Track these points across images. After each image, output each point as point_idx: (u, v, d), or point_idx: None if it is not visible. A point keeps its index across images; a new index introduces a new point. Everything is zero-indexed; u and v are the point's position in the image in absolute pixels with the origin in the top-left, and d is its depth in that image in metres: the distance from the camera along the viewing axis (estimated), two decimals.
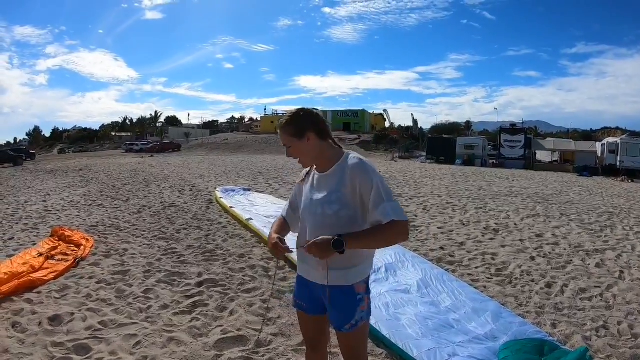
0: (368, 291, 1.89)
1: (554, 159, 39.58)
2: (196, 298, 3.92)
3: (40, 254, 4.98)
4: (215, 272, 4.68)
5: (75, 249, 5.43)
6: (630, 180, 23.65)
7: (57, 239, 5.87)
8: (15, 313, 3.52)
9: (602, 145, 33.15)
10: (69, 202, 9.86)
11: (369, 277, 1.92)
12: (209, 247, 5.75)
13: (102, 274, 4.56)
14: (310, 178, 1.97)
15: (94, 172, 18.80)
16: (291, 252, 1.85)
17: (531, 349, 3.01)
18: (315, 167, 1.97)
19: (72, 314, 3.52)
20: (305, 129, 1.85)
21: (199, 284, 4.31)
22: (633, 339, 3.36)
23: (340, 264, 1.77)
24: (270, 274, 4.71)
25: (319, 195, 1.86)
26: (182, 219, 7.69)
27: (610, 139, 32.89)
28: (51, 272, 4.47)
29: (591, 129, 75.33)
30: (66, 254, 5.19)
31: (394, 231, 1.70)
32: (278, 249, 1.84)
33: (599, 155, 32.93)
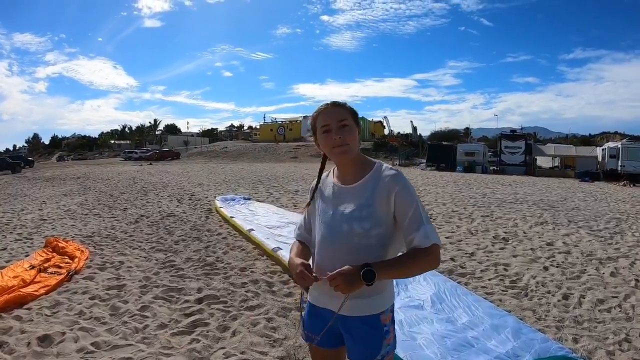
0: (393, 321, 1.63)
1: (555, 165, 39.51)
2: (196, 316, 3.68)
3: (33, 267, 4.82)
4: (215, 288, 4.44)
5: (70, 261, 5.25)
6: (632, 185, 23.55)
7: (50, 250, 5.70)
8: (3, 332, 3.32)
9: (602, 150, 33.10)
10: (65, 210, 9.65)
11: (393, 304, 1.66)
12: (208, 259, 5.52)
13: (97, 288, 4.34)
14: (328, 190, 1.69)
15: (92, 180, 18.66)
16: (317, 280, 1.54)
17: None
18: (335, 177, 1.70)
19: (63, 333, 3.30)
20: (358, 122, 1.65)
21: (199, 301, 4.06)
22: None
23: (364, 291, 1.49)
24: (274, 289, 4.47)
25: (344, 210, 1.58)
26: (181, 230, 7.46)
27: (611, 144, 32.83)
28: (43, 287, 4.30)
29: (590, 134, 75.58)
30: (59, 267, 5.01)
31: (431, 257, 1.49)
32: (304, 278, 1.52)
33: (600, 160, 32.86)
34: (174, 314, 3.72)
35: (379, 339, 1.57)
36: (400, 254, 1.56)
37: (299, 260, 1.60)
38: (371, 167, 1.62)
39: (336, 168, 1.71)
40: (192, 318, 3.64)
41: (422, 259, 1.48)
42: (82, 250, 5.67)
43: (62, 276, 4.63)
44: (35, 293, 4.12)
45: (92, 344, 3.14)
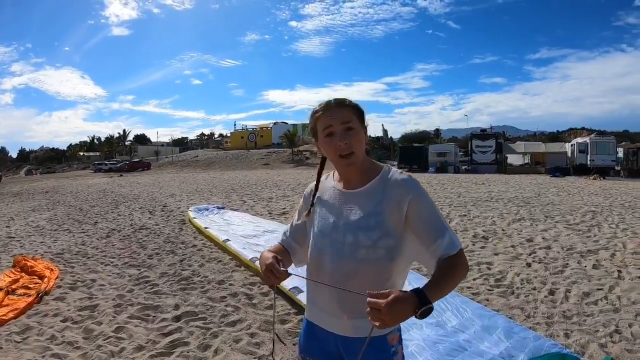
0: (401, 340, 1.44)
1: (525, 162, 40.36)
2: (174, 335, 3.46)
3: (0, 289, 4.53)
4: (193, 303, 4.22)
5: (39, 281, 4.96)
6: (602, 178, 24.20)
7: (19, 269, 5.41)
8: None
9: (571, 145, 34.08)
10: (34, 227, 9.24)
11: None
12: (184, 273, 5.27)
13: (68, 310, 4.07)
14: (328, 195, 1.50)
15: (61, 194, 18.09)
16: (289, 275, 1.33)
17: None
18: (336, 180, 1.51)
19: None
20: (364, 120, 1.46)
21: (177, 318, 3.83)
22: None
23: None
24: (254, 301, 4.28)
25: (348, 218, 1.39)
26: (154, 243, 7.18)
27: (580, 139, 33.79)
28: (11, 310, 4.03)
29: (558, 131, 77.65)
30: (29, 288, 4.74)
31: (463, 263, 1.31)
32: (272, 272, 1.31)
33: (569, 155, 33.79)
34: (151, 334, 3.49)
35: None
36: (434, 269, 1.32)
37: (270, 254, 1.39)
38: (379, 171, 1.45)
39: (337, 171, 1.53)
40: (171, 337, 3.42)
41: (457, 267, 1.30)
42: (52, 269, 5.38)
43: (32, 298, 4.36)
44: (3, 318, 3.86)
45: None
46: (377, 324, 1.09)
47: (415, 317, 1.11)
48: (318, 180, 1.57)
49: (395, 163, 40.22)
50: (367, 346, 1.32)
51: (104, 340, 3.40)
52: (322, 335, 1.44)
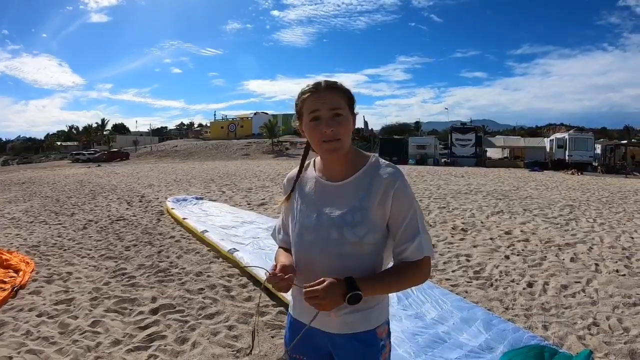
0: (389, 333, 1.41)
1: (505, 156, 40.91)
2: (152, 329, 3.39)
3: None
4: (171, 296, 4.14)
5: (14, 274, 4.80)
6: (580, 173, 24.66)
7: None
8: None
9: (550, 141, 34.67)
10: (10, 219, 8.98)
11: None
12: (162, 265, 5.18)
13: (44, 304, 3.96)
14: (310, 187, 1.42)
15: (37, 184, 17.65)
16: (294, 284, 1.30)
17: (533, 357, 2.85)
18: (319, 171, 1.42)
19: (10, 357, 2.96)
20: (354, 107, 1.37)
21: (154, 311, 3.76)
22: (625, 334, 3.35)
23: (360, 303, 1.23)
24: (232, 294, 4.23)
25: (332, 213, 1.31)
26: (132, 234, 7.06)
27: (559, 135, 34.44)
28: None
29: (537, 126, 78.93)
30: (4, 282, 4.56)
31: (422, 271, 1.29)
32: (281, 279, 1.28)
33: (548, 150, 34.35)
34: (127, 328, 3.42)
35: (375, 356, 1.34)
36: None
37: (279, 263, 1.37)
38: (365, 161, 1.37)
39: (319, 159, 1.43)
40: (148, 331, 3.35)
41: (413, 273, 1.28)
42: (28, 262, 5.23)
43: (7, 292, 4.21)
44: None
45: None
46: (315, 307, 1.19)
47: (345, 302, 1.17)
48: (301, 167, 1.48)
49: (376, 155, 40.45)
50: (356, 342, 1.32)
51: (80, 334, 3.32)
52: (309, 334, 1.36)
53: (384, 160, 1.38)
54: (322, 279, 1.19)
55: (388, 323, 1.41)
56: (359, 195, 1.30)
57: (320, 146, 1.31)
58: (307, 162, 1.48)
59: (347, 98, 1.33)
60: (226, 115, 79.99)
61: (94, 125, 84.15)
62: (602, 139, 42.07)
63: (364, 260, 1.29)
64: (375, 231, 1.29)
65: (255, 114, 72.83)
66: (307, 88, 1.33)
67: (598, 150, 33.65)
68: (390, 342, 1.41)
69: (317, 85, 1.32)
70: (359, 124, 68.72)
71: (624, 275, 4.76)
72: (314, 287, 1.17)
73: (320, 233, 1.32)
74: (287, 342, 1.49)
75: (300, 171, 1.47)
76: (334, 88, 1.32)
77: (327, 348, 1.40)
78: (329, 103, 1.29)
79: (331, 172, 1.38)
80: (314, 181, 1.41)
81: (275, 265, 1.38)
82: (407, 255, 1.27)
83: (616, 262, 5.27)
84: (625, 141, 38.95)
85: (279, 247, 1.55)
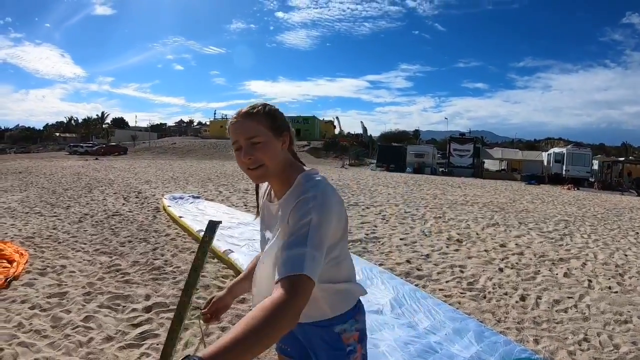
0: (362, 338, 1.42)
1: (502, 168, 41.04)
2: (145, 327, 3.39)
3: None
4: (164, 294, 4.14)
5: (8, 265, 4.78)
6: (576, 188, 24.75)
7: None
8: None
9: (548, 155, 34.84)
10: (5, 208, 8.96)
11: (358, 319, 1.43)
12: (156, 262, 5.18)
13: (37, 296, 3.94)
14: (264, 210, 1.48)
15: (34, 175, 17.62)
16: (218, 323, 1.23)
17: None
18: (267, 190, 1.47)
19: (1, 349, 2.95)
20: (284, 127, 1.34)
21: (147, 309, 3.75)
22: (615, 350, 3.38)
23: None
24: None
25: (266, 235, 1.38)
26: (127, 230, 7.05)
27: (557, 149, 34.61)
28: None
29: (535, 139, 79.32)
30: None
31: (275, 304, 1.00)
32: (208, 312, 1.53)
33: (545, 164, 34.48)
34: (120, 325, 3.41)
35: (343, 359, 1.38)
36: None
37: (221, 292, 1.56)
38: (292, 181, 1.33)
39: None
40: (141, 329, 3.35)
41: (265, 310, 0.98)
42: (22, 253, 5.21)
43: (0, 282, 4.21)
44: None
45: None
46: None
47: None
48: (257, 190, 1.53)
49: (374, 161, 40.48)
50: (321, 340, 1.39)
51: (73, 329, 3.31)
52: None
53: (314, 175, 1.32)
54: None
55: (359, 330, 1.42)
56: (283, 218, 1.28)
57: (247, 173, 1.33)
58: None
59: (268, 121, 1.31)
60: (226, 115, 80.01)
61: (94, 117, 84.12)
62: (599, 155, 42.21)
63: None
64: None
65: None
66: (231, 118, 1.35)
67: (595, 166, 33.80)
68: (362, 347, 1.42)
69: (237, 115, 1.33)
70: (358, 129, 69.09)
71: (616, 292, 4.78)
72: None
73: (263, 255, 1.37)
74: None
75: (257, 193, 1.53)
76: (251, 115, 1.30)
77: (299, 337, 1.47)
78: (245, 133, 1.29)
79: (274, 191, 1.41)
80: (262, 200, 1.49)
81: (210, 300, 1.60)
82: (278, 270, 1.12)
83: (609, 279, 5.30)
84: (623, 158, 39.13)
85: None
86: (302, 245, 1.11)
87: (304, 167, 1.38)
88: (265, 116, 1.31)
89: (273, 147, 1.30)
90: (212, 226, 1.71)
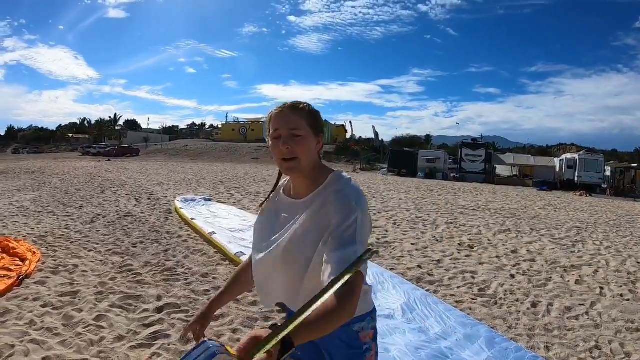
0: (375, 337, 1.45)
1: (514, 174, 40.76)
2: (156, 327, 3.41)
3: None
4: (176, 295, 4.16)
5: (20, 263, 4.85)
6: (588, 195, 24.51)
7: (0, 250, 5.25)
8: None
9: (560, 161, 34.56)
10: (18, 207, 9.08)
11: (374, 317, 1.46)
12: (168, 264, 5.21)
13: (49, 294, 3.99)
14: (276, 203, 1.50)
15: (47, 175, 17.84)
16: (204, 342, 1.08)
17: None
18: (288, 188, 1.50)
19: (13, 346, 2.98)
20: (321, 129, 1.41)
21: (159, 310, 3.78)
22: (627, 358, 3.36)
23: None
24: (238, 297, 4.22)
25: (287, 231, 1.36)
26: (139, 231, 7.11)
27: (569, 155, 34.31)
28: None
29: (547, 145, 78.63)
30: (9, 270, 4.60)
31: (339, 300, 1.08)
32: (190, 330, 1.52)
33: (557, 170, 34.22)
34: (132, 325, 3.44)
35: (360, 358, 1.39)
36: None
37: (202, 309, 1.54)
38: (324, 179, 1.39)
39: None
40: (152, 329, 3.37)
41: (329, 302, 1.06)
42: (34, 252, 5.28)
43: (12, 280, 4.23)
44: None
45: (43, 359, 2.86)
46: None
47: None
48: (276, 184, 1.57)
49: (385, 166, 40.39)
50: (339, 340, 1.38)
51: (84, 328, 3.34)
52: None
53: (345, 175, 1.41)
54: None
55: (374, 329, 1.44)
56: (312, 215, 1.32)
57: (280, 164, 1.38)
58: (283, 181, 1.57)
59: (310, 118, 1.38)
60: (238, 118, 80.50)
61: (107, 119, 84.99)
62: (612, 161, 41.78)
63: (311, 282, 1.28)
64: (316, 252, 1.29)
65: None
66: (274, 109, 1.41)
67: (608, 173, 33.45)
68: (376, 345, 1.44)
69: (282, 107, 1.39)
70: (370, 134, 69.05)
71: (628, 300, 4.74)
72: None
73: (275, 251, 1.37)
74: None
75: (276, 184, 1.57)
76: (296, 109, 1.37)
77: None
78: (289, 123, 1.34)
79: (297, 190, 1.44)
80: (282, 198, 1.50)
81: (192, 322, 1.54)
82: (331, 271, 1.16)
83: (621, 286, 5.24)
84: (636, 164, 38.66)
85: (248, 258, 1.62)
86: (353, 244, 1.19)
87: (332, 169, 1.44)
88: (309, 114, 1.38)
89: (310, 144, 1.36)
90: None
